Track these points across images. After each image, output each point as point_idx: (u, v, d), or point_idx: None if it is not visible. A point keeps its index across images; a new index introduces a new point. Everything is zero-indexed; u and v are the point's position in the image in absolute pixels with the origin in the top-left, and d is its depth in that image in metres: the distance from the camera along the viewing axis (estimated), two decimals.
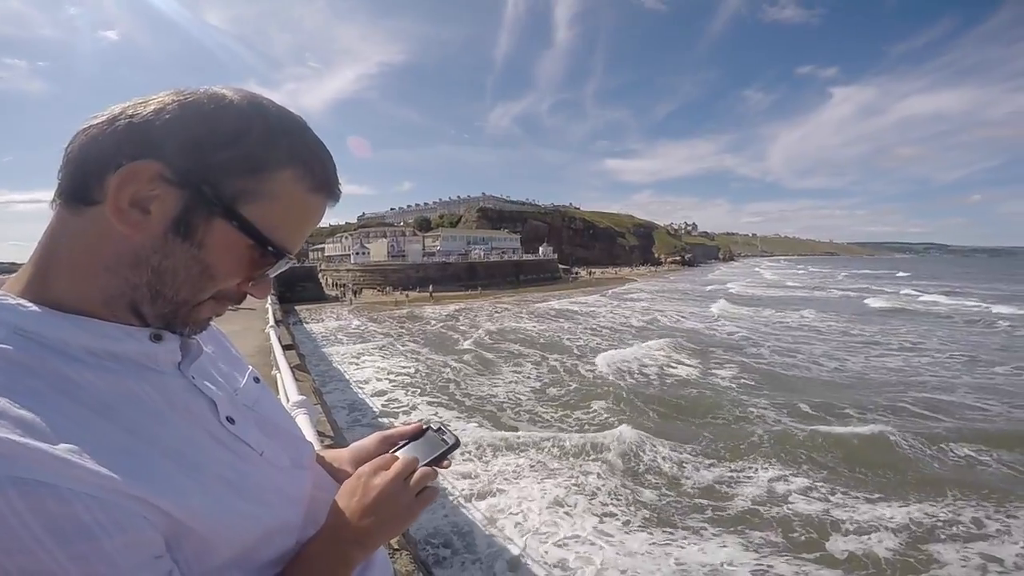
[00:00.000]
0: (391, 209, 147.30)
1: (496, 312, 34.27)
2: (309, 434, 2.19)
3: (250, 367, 0.76)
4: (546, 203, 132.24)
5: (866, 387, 15.65)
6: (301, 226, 0.60)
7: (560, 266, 78.86)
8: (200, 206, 0.53)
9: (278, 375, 4.08)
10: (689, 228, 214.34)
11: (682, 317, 31.23)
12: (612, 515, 8.37)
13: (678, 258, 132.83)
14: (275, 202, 0.56)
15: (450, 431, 0.79)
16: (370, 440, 0.83)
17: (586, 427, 12.09)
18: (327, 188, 0.60)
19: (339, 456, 0.84)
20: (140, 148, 0.52)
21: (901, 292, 51.71)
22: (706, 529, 7.95)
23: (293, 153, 0.57)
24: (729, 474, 9.67)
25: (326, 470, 0.78)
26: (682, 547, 7.38)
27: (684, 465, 10.18)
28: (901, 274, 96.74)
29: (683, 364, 18.13)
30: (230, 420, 0.61)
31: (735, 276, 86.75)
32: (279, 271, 0.61)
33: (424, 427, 0.80)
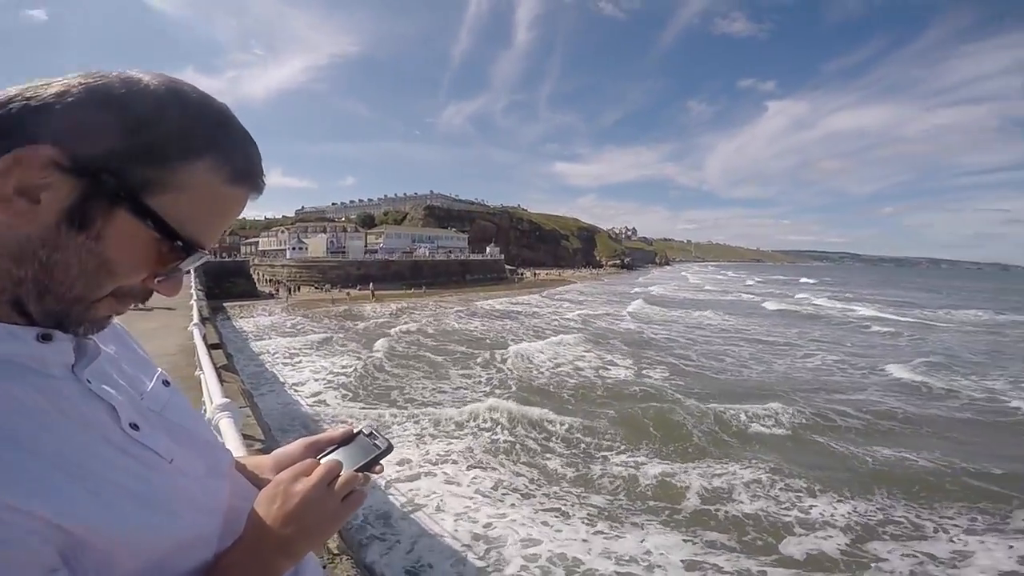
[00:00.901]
0: (332, 204, 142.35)
1: (441, 312, 33.97)
2: (233, 439, 2.09)
3: (159, 369, 0.71)
4: (495, 203, 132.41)
5: (752, 386, 16.98)
6: (216, 219, 0.56)
7: (507, 267, 79.23)
8: (100, 196, 0.49)
9: (202, 376, 3.86)
10: (629, 233, 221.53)
11: (615, 320, 32.69)
12: (556, 510, 8.50)
13: (618, 262, 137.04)
14: (187, 193, 0.52)
15: (382, 435, 0.75)
16: (295, 446, 0.77)
17: (522, 420, 12.34)
18: (248, 180, 0.57)
19: (261, 464, 0.79)
20: (34, 133, 0.47)
21: (796, 296, 58.23)
22: (630, 510, 8.30)
23: (211, 142, 0.53)
24: (674, 469, 10.01)
25: (247, 478, 0.73)
26: (622, 534, 7.56)
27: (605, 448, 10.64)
28: (805, 280, 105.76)
29: (616, 364, 19.06)
30: (134, 426, 0.56)
31: (663, 280, 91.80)
32: (191, 266, 0.57)
33: (355, 431, 0.76)
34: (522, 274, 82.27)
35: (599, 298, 49.77)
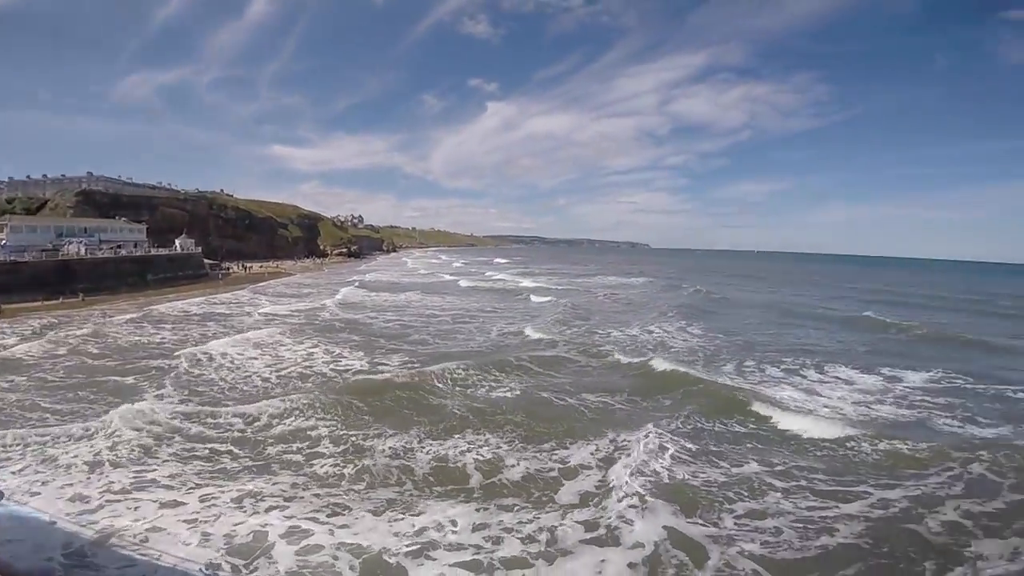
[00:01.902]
0: None
1: (109, 323, 27.41)
2: None
3: None
4: (189, 188, 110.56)
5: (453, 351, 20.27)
6: None
7: (207, 261, 68.41)
8: None
9: None
10: (355, 220, 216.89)
11: (336, 310, 32.89)
12: (332, 506, 8.49)
13: (344, 250, 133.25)
14: None
15: None
16: None
17: (238, 428, 11.65)
18: None
19: None
20: None
21: (486, 274, 69.90)
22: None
23: None
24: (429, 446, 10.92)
25: None
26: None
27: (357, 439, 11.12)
28: (499, 260, 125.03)
29: (345, 357, 19.38)
30: None
31: (386, 266, 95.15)
32: None
33: None
34: (228, 269, 72.44)
35: (320, 289, 48.30)
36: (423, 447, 11.05)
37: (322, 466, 10.10)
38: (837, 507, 8.76)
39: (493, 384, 15.75)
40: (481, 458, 10.53)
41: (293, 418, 12.48)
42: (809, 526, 8.15)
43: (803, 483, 9.66)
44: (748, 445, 11.61)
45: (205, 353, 18.97)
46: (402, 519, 8.18)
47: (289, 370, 17.37)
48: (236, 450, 10.83)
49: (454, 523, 8.05)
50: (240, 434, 11.59)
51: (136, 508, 8.36)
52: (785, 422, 12.79)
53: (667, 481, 9.53)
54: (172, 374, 16.52)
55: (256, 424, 12.10)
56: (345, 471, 9.86)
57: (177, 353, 19.16)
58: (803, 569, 7.09)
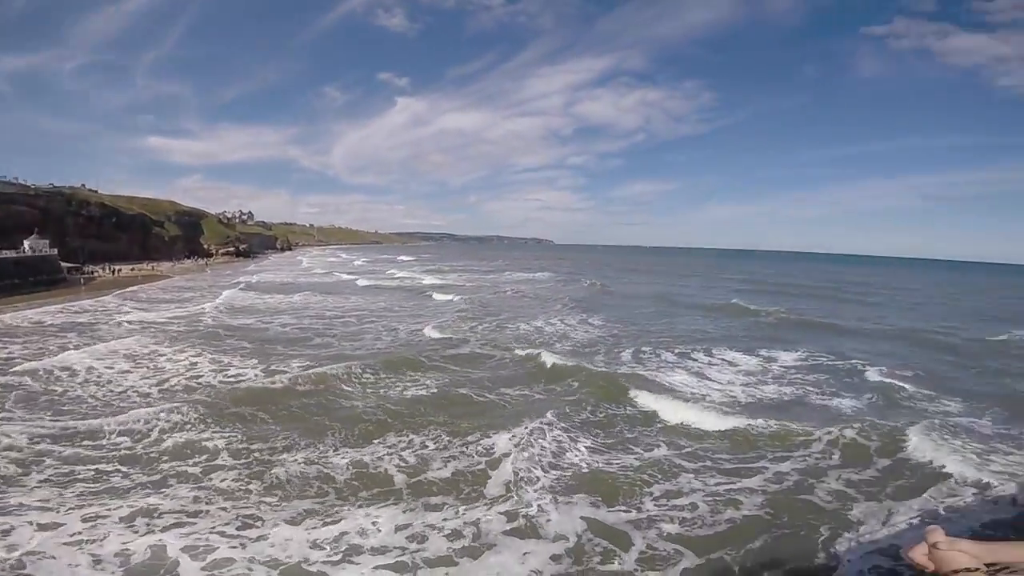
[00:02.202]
0: None
1: None
2: None
3: None
4: (42, 183, 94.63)
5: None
6: None
7: (65, 264, 59.75)
8: None
9: None
10: (244, 217, 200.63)
11: (220, 314, 30.52)
12: (253, 519, 7.80)
13: (232, 249, 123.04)
14: None
15: None
16: None
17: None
18: None
19: None
20: None
21: (387, 272, 68.54)
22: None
23: None
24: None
25: None
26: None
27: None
28: (403, 258, 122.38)
29: (235, 366, 17.87)
30: None
31: (278, 266, 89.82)
32: None
33: None
34: (92, 273, 63.78)
35: (202, 292, 44.22)
36: (340, 454, 10.56)
37: (223, 480, 9.31)
38: (740, 482, 9.62)
39: (408, 383, 15.42)
40: (403, 460, 10.31)
41: (184, 432, 11.34)
42: (718, 500, 8.89)
43: (709, 463, 10.47)
44: (658, 425, 12.48)
45: (66, 368, 16.56)
46: (322, 527, 7.79)
47: (172, 382, 15.73)
48: (125, 468, 9.68)
49: (378, 527, 7.81)
50: (128, 452, 10.37)
51: (5, 533, 7.26)
52: (685, 406, 13.80)
53: (585, 469, 10.01)
54: (29, 391, 14.22)
55: (146, 440, 10.84)
56: (252, 485, 9.16)
57: (29, 369, 16.46)
58: (718, 543, 7.71)
